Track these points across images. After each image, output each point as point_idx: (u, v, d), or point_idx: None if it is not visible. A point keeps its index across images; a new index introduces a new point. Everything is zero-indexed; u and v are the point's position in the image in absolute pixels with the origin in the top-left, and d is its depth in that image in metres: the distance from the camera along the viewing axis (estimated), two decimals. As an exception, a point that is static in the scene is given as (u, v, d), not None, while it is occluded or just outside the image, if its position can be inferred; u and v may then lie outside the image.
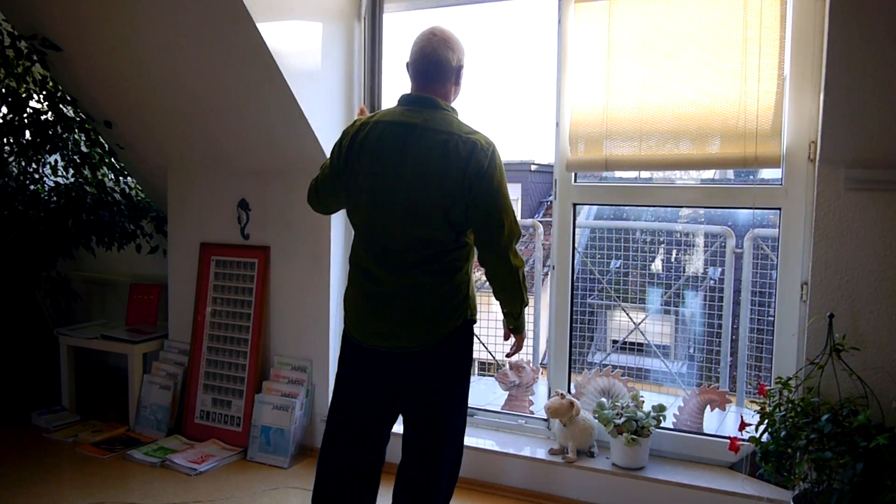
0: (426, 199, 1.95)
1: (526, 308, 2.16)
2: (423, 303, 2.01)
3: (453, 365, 2.11)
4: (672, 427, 2.92)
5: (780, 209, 2.60)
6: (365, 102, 3.29)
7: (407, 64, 2.10)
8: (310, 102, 3.10)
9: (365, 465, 2.16)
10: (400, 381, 2.09)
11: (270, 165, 3.37)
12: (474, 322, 2.14)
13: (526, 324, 2.22)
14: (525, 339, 2.26)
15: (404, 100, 2.07)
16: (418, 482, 2.11)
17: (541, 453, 2.91)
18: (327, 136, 3.35)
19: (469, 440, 3.04)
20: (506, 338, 2.24)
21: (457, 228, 1.99)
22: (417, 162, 1.95)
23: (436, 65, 2.04)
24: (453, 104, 2.10)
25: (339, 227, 3.40)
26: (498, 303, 2.15)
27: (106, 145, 3.92)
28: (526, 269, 2.12)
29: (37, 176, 3.81)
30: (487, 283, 2.14)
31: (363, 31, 3.28)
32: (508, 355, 2.29)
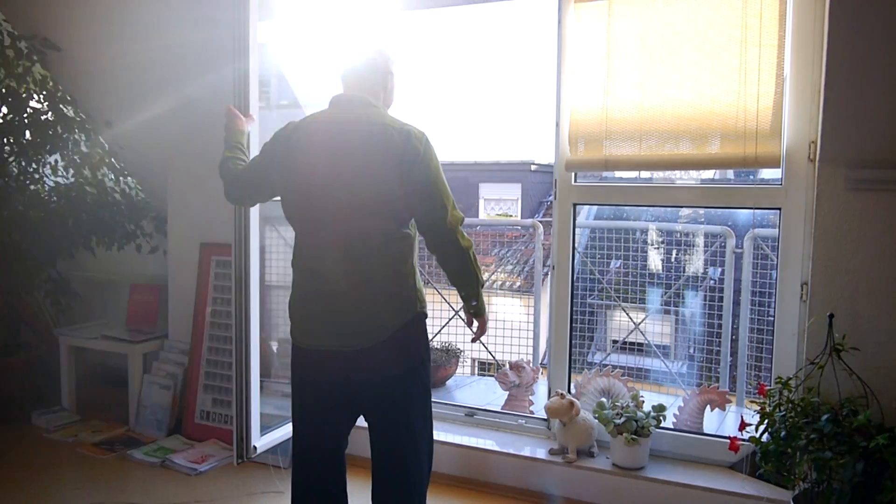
0: (366, 189, 1.93)
1: (482, 287, 2.13)
2: (371, 297, 1.96)
3: (409, 359, 2.04)
4: (672, 427, 2.92)
5: (780, 209, 2.60)
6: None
7: (339, 74, 2.11)
8: (310, 102, 3.10)
9: (329, 478, 2.23)
10: (355, 381, 2.02)
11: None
12: (426, 316, 2.09)
13: (486, 305, 2.17)
14: (488, 322, 2.22)
15: (335, 100, 2.07)
16: (391, 489, 2.13)
17: (541, 453, 2.91)
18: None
19: (469, 440, 3.04)
20: (469, 323, 2.22)
21: (398, 217, 1.98)
22: (353, 154, 1.94)
23: (365, 67, 2.08)
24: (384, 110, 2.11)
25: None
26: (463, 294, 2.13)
27: (106, 145, 3.92)
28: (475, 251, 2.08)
29: (37, 176, 3.81)
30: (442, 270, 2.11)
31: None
32: (473, 340, 2.23)
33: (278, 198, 2.10)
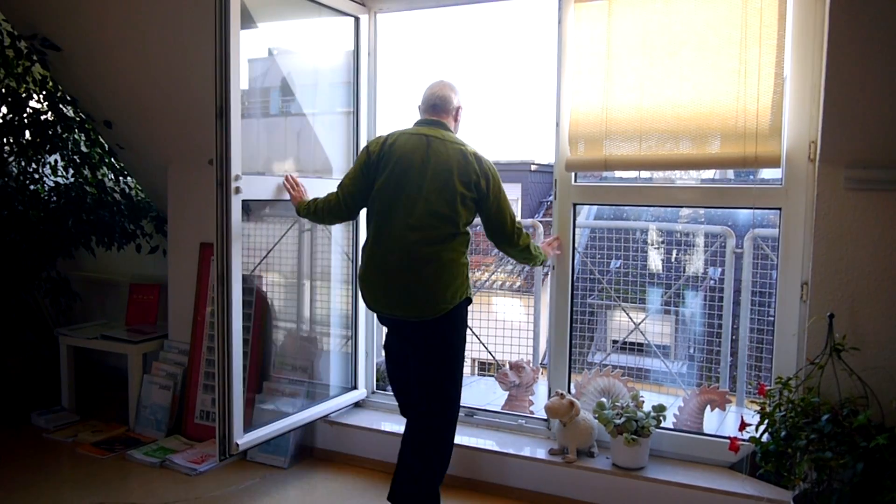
0: (448, 184, 2.49)
1: (540, 261, 2.76)
2: (439, 275, 2.47)
3: (456, 333, 2.58)
4: (672, 427, 2.92)
5: (780, 209, 2.60)
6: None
7: (418, 105, 2.70)
8: (310, 102, 3.10)
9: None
10: (411, 343, 2.59)
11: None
12: (471, 301, 2.62)
13: (542, 256, 2.77)
14: (554, 250, 2.91)
15: (420, 121, 2.67)
16: (431, 397, 2.57)
17: (541, 453, 2.91)
18: (327, 134, 3.36)
19: (469, 440, 3.04)
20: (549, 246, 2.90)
21: (462, 219, 2.51)
22: (441, 160, 2.51)
23: (442, 99, 2.67)
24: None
25: (338, 227, 3.40)
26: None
27: (106, 145, 3.92)
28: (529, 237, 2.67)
29: (37, 176, 3.81)
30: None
31: (365, 30, 3.28)
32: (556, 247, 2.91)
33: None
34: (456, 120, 2.72)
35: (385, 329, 2.80)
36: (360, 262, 2.66)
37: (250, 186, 2.72)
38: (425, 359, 2.56)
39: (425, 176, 2.49)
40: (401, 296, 2.50)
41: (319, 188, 3.31)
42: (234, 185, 2.62)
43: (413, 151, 2.53)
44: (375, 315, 2.80)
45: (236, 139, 2.60)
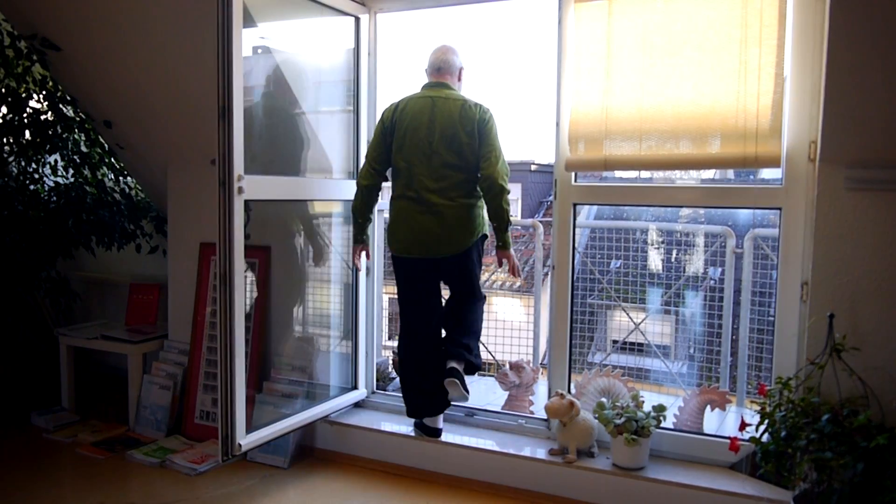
0: (455, 137, 2.89)
1: (509, 226, 2.96)
2: (456, 218, 2.92)
3: (478, 261, 3.08)
4: (672, 427, 2.91)
5: (780, 209, 2.60)
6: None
7: (424, 69, 3.04)
8: (311, 102, 3.10)
9: (429, 324, 3.10)
10: (442, 275, 3.05)
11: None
12: (486, 237, 3.08)
13: (511, 244, 3.00)
14: (514, 258, 3.03)
15: (426, 84, 3.02)
16: (462, 308, 3.10)
17: (541, 453, 2.91)
18: (327, 133, 3.35)
19: (469, 440, 3.04)
20: (499, 263, 3.03)
21: (473, 164, 2.91)
22: (445, 116, 2.91)
23: (445, 63, 3.01)
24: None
25: (339, 228, 3.40)
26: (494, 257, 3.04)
27: (106, 145, 3.92)
28: (510, 200, 2.96)
29: (37, 176, 3.81)
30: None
31: (368, 29, 3.28)
32: (512, 272, 3.05)
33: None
34: (459, 80, 3.07)
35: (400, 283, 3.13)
36: (388, 216, 3.07)
37: (252, 187, 2.71)
38: (458, 281, 3.08)
39: (434, 133, 2.90)
40: (429, 240, 2.93)
41: (320, 188, 3.32)
42: (236, 184, 2.61)
43: (420, 113, 2.92)
44: (400, 266, 3.07)
45: (239, 139, 2.59)
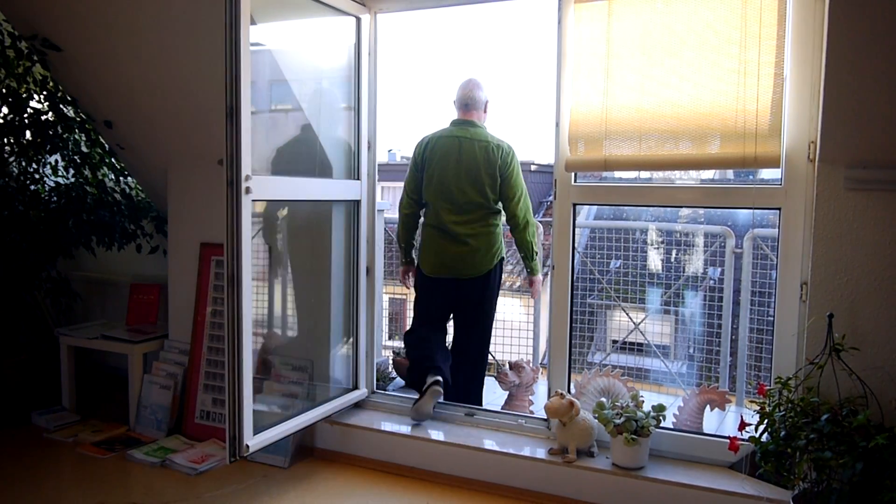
0: (478, 178, 3.31)
1: (536, 257, 3.49)
2: (479, 249, 3.34)
3: (496, 286, 3.49)
4: (672, 427, 2.92)
5: (780, 209, 2.60)
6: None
7: (454, 101, 3.42)
8: (311, 102, 3.11)
9: (438, 333, 3.55)
10: (461, 295, 3.43)
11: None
12: (503, 261, 3.50)
13: (540, 270, 3.56)
14: (540, 283, 3.61)
15: (454, 121, 3.41)
16: (474, 339, 3.54)
17: (541, 453, 2.91)
18: (327, 133, 3.36)
19: (469, 440, 3.05)
20: (530, 284, 3.61)
21: (495, 195, 3.34)
22: (470, 159, 3.30)
23: (472, 99, 3.38)
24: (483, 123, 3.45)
25: (339, 228, 3.40)
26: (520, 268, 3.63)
27: (106, 145, 3.92)
28: (538, 237, 3.64)
29: (37, 176, 3.81)
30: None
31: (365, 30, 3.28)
32: (532, 295, 3.75)
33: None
34: (485, 112, 3.45)
35: (423, 294, 3.55)
36: (420, 238, 3.52)
37: (259, 187, 2.70)
38: (478, 301, 3.45)
39: (460, 174, 3.30)
40: (456, 265, 3.36)
41: (320, 188, 3.32)
42: (244, 185, 2.60)
43: (448, 154, 3.33)
44: (428, 282, 3.48)
45: (246, 139, 2.58)
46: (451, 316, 3.59)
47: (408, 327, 3.75)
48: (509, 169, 3.31)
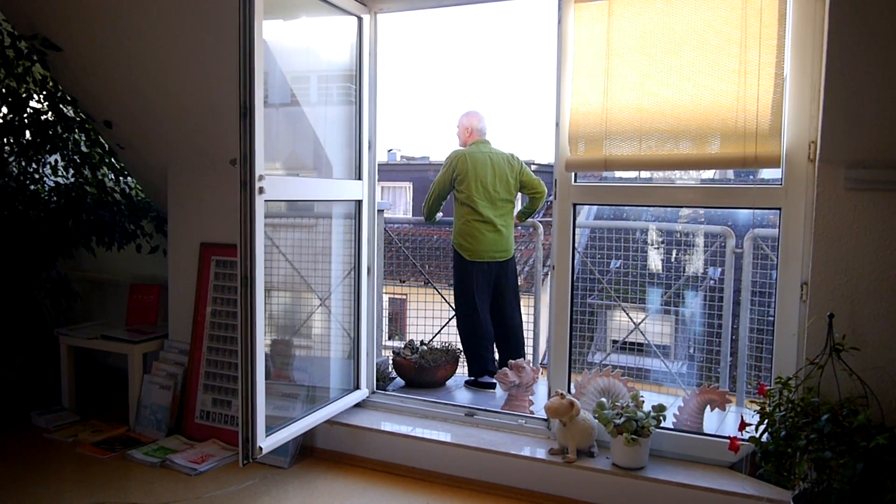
0: (506, 181, 4.36)
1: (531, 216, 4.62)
2: (508, 235, 4.37)
3: (516, 266, 4.56)
4: (672, 427, 2.92)
5: (780, 209, 2.60)
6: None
7: (476, 129, 4.41)
8: (311, 101, 3.10)
9: (485, 308, 4.40)
10: (500, 275, 4.39)
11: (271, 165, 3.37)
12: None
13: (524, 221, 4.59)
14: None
15: (478, 142, 4.39)
16: (512, 317, 4.45)
17: (541, 453, 2.91)
18: (328, 133, 3.35)
19: (469, 440, 3.05)
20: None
21: (516, 190, 4.41)
22: (500, 167, 4.35)
23: (485, 128, 4.46)
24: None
25: (338, 228, 3.40)
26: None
27: (106, 145, 3.92)
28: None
29: (37, 176, 3.81)
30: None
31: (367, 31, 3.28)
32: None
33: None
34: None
35: (467, 281, 4.37)
36: (456, 232, 4.35)
37: (271, 187, 2.69)
38: (510, 276, 4.43)
39: (496, 179, 4.32)
40: (496, 249, 4.32)
41: (326, 188, 3.32)
42: (258, 185, 2.59)
43: (483, 164, 4.31)
44: (471, 268, 4.34)
45: (260, 139, 2.56)
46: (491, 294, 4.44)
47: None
48: (523, 171, 4.42)
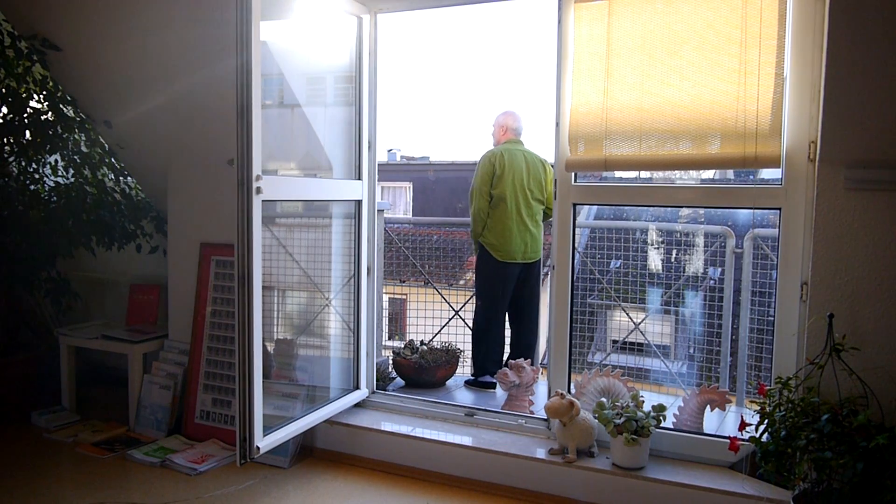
0: (538, 181, 4.31)
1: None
2: (538, 236, 4.32)
3: (541, 269, 4.48)
4: (672, 427, 2.92)
5: (780, 209, 2.60)
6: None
7: (513, 128, 4.37)
8: (311, 101, 3.10)
9: (505, 310, 4.42)
10: (527, 276, 4.35)
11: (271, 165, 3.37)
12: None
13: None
14: None
15: (513, 140, 4.35)
16: (531, 313, 4.43)
17: (541, 453, 2.91)
18: (328, 133, 3.36)
19: (469, 440, 3.05)
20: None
21: (546, 192, 4.31)
22: (533, 167, 4.30)
23: (520, 126, 4.40)
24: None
25: (338, 229, 3.40)
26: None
27: (106, 145, 3.92)
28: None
29: (37, 176, 3.81)
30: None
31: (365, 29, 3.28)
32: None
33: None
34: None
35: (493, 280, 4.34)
36: (487, 230, 4.25)
37: (269, 187, 2.68)
38: (535, 277, 4.38)
39: (529, 178, 4.27)
40: (526, 250, 4.27)
41: (325, 188, 3.32)
42: (255, 185, 2.59)
43: (519, 163, 4.26)
44: (501, 267, 4.29)
45: (257, 138, 2.56)
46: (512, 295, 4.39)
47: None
48: (550, 181, 4.24)
